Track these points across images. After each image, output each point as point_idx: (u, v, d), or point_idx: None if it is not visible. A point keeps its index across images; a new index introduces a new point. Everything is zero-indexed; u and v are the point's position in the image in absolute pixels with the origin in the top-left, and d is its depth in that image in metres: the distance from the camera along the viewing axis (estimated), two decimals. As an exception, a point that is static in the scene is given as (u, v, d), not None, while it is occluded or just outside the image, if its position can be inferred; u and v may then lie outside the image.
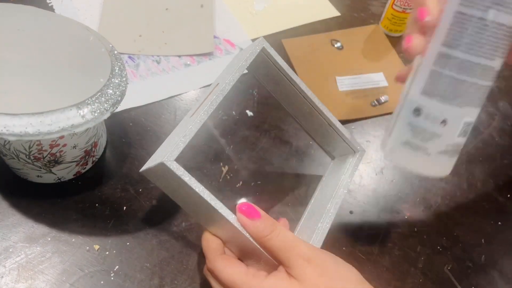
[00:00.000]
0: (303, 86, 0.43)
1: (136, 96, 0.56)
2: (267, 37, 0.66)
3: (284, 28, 0.68)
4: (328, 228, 0.41)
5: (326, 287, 0.34)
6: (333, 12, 0.72)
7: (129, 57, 0.61)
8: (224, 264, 0.37)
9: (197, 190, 0.34)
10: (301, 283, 0.34)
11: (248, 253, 0.38)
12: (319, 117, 0.46)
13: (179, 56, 0.62)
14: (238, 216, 0.36)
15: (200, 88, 0.59)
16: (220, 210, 0.35)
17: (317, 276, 0.34)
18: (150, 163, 0.36)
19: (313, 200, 0.46)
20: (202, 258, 0.44)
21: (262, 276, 0.36)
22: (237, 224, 0.36)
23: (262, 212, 0.36)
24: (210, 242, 0.39)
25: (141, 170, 0.38)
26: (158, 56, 0.62)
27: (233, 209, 0.36)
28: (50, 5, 0.66)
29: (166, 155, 0.33)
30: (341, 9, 0.73)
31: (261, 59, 0.42)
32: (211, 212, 0.36)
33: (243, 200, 0.49)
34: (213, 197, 0.35)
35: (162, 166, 0.33)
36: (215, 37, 0.65)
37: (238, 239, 0.37)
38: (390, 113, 0.59)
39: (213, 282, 0.38)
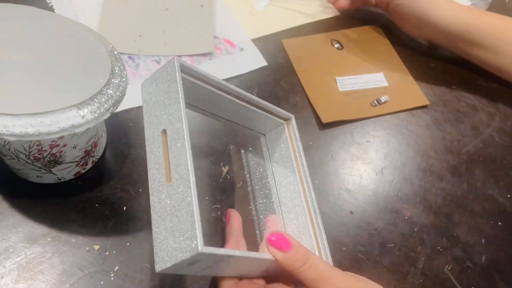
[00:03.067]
0: (227, 84, 0.40)
1: (136, 96, 0.56)
2: (267, 37, 0.66)
3: (284, 28, 0.68)
4: (324, 236, 0.42)
5: None
6: (334, 12, 0.72)
7: (129, 57, 0.61)
8: None
9: (237, 254, 0.32)
10: None
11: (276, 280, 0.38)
12: (247, 107, 0.44)
13: (179, 56, 0.62)
14: (268, 248, 0.35)
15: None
16: (263, 257, 0.34)
17: None
18: (172, 258, 0.30)
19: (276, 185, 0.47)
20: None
21: None
22: (271, 259, 0.34)
23: (293, 241, 0.35)
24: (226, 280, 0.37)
25: (159, 270, 0.30)
26: (158, 56, 0.61)
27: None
28: (50, 5, 0.66)
29: (193, 243, 0.29)
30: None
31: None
32: (246, 263, 0.34)
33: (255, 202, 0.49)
34: (251, 252, 0.34)
35: (199, 256, 0.29)
36: (215, 37, 0.65)
37: (268, 269, 0.36)
38: (390, 113, 0.59)
39: None
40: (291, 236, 0.35)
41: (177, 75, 0.34)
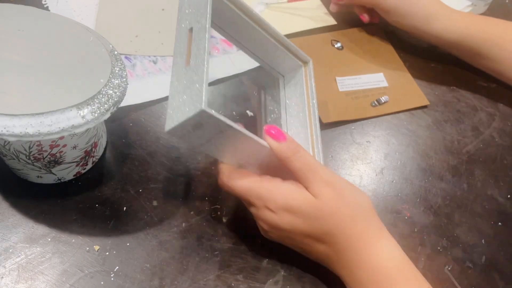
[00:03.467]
0: (255, 12, 0.47)
1: (133, 94, 0.56)
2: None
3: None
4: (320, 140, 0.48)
5: (338, 207, 0.38)
6: (331, 21, 0.71)
7: (126, 57, 0.61)
8: (239, 175, 0.40)
9: (236, 127, 0.36)
10: (317, 199, 0.37)
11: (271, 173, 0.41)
12: (269, 39, 0.49)
13: (176, 56, 0.62)
14: (265, 138, 0.39)
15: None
16: (257, 140, 0.38)
17: (333, 197, 0.38)
18: (180, 117, 0.35)
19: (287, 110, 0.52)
20: (202, 258, 0.44)
21: (278, 180, 0.39)
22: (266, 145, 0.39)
23: (287, 135, 0.39)
24: (225, 164, 0.42)
25: (170, 128, 0.36)
26: (155, 56, 0.61)
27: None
28: (45, 6, 0.65)
29: (199, 103, 0.34)
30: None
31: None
32: (244, 145, 0.38)
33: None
34: (251, 133, 0.38)
35: (202, 114, 0.34)
36: (212, 36, 0.65)
37: (264, 162, 0.40)
38: (390, 114, 0.59)
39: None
40: (286, 132, 0.40)
41: None
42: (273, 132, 0.38)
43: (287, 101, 0.53)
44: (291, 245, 0.42)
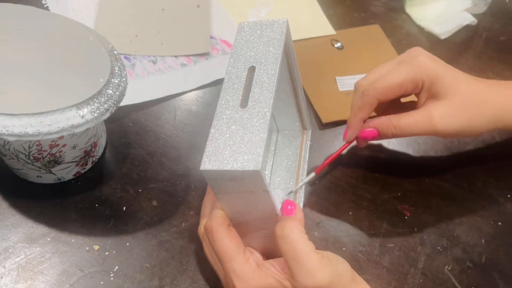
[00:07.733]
0: (295, 59, 0.45)
1: (133, 94, 0.56)
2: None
3: None
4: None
5: None
6: (330, 31, 0.69)
7: (125, 57, 0.61)
8: (233, 234, 0.36)
9: (271, 194, 0.33)
10: None
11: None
12: (291, 93, 0.48)
13: (176, 56, 0.62)
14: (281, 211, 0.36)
15: (197, 88, 0.59)
16: (276, 210, 0.35)
17: None
18: (225, 164, 0.31)
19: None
20: (202, 258, 0.44)
21: (254, 265, 0.36)
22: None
23: (298, 213, 0.36)
24: (221, 212, 0.37)
25: (208, 169, 0.31)
26: (154, 56, 0.61)
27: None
28: (45, 6, 0.65)
29: (255, 161, 0.30)
30: (341, 9, 0.72)
31: None
32: (260, 209, 0.35)
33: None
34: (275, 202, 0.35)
35: (252, 174, 0.30)
36: (211, 37, 0.65)
37: (263, 230, 0.38)
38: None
39: (205, 245, 0.39)
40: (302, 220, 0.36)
41: (285, 31, 0.39)
42: (289, 208, 0.36)
43: (276, 155, 0.51)
44: None
